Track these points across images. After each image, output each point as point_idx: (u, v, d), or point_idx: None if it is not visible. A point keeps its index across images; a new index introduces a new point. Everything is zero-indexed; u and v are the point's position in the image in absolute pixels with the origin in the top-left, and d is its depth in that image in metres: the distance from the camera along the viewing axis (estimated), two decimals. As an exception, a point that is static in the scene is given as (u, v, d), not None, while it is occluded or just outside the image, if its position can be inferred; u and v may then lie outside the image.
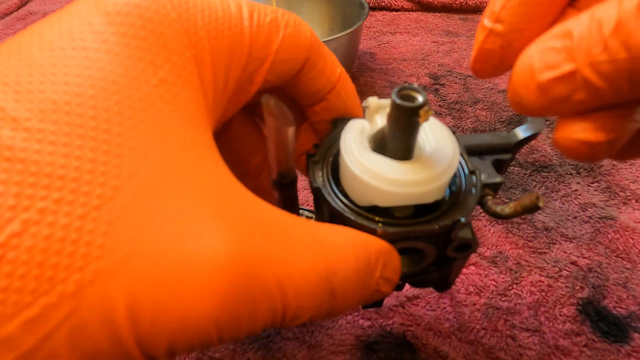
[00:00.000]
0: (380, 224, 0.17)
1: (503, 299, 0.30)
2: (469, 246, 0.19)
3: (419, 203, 0.17)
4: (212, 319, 0.13)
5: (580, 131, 0.16)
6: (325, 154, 0.20)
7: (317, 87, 0.21)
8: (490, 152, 0.21)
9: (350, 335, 0.28)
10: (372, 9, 0.74)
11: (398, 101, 0.15)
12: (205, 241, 0.13)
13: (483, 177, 0.19)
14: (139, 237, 0.13)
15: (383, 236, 0.17)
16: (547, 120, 0.47)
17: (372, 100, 0.19)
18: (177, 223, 0.13)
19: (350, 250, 0.17)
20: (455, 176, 0.19)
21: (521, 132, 0.21)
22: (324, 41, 0.44)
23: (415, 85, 0.16)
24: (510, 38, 0.17)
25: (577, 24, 0.13)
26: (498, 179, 0.19)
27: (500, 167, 0.21)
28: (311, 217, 0.29)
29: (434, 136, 0.18)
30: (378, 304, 0.23)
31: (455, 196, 0.18)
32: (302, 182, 0.38)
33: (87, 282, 0.12)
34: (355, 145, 0.18)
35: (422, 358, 0.27)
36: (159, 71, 0.14)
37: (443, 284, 0.22)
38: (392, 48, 0.63)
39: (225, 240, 0.13)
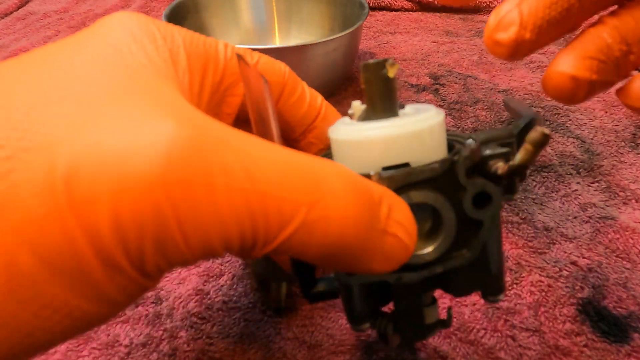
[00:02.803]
0: (373, 171, 0.17)
1: (503, 299, 0.30)
2: (489, 198, 0.17)
3: (413, 160, 0.17)
4: (159, 183, 0.12)
5: (570, 67, 0.20)
6: None
7: (302, 112, 0.23)
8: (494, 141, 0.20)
9: (350, 335, 0.28)
10: (372, 9, 0.74)
11: (364, 63, 0.17)
12: (154, 119, 0.13)
13: (488, 152, 0.18)
14: (82, 116, 0.13)
15: (379, 182, 0.17)
16: (546, 122, 0.47)
17: (356, 104, 0.19)
18: (126, 109, 0.13)
19: (342, 169, 0.15)
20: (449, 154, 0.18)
21: (520, 122, 0.21)
22: (323, 41, 0.44)
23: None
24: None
25: None
26: (505, 149, 0.18)
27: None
28: None
29: (417, 107, 0.19)
30: (420, 336, 0.20)
31: (453, 155, 0.17)
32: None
33: (23, 149, 0.12)
34: (341, 124, 0.18)
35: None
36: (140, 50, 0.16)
37: (486, 278, 0.19)
38: (392, 48, 0.63)
39: (177, 120, 0.13)
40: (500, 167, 0.17)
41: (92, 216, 0.12)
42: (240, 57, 0.19)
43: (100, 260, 0.12)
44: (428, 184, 0.17)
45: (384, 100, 0.18)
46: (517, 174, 0.17)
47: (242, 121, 0.22)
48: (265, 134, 0.19)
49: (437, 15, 0.73)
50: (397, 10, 0.74)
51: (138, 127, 0.12)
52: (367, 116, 0.18)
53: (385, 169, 0.17)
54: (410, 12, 0.74)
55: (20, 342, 0.12)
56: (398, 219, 0.16)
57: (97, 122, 0.13)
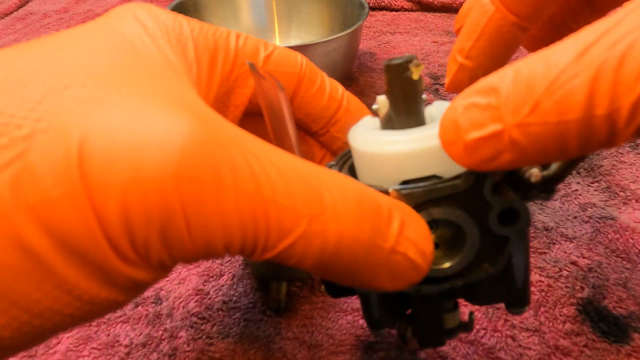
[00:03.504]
0: (391, 187, 0.16)
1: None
2: (516, 214, 0.16)
3: (439, 172, 0.16)
4: (171, 178, 0.12)
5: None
6: (343, 161, 0.20)
7: (323, 104, 0.22)
8: None
9: (350, 335, 0.28)
10: (372, 9, 0.74)
11: (387, 62, 0.16)
12: (167, 112, 0.13)
13: None
14: (98, 102, 0.13)
15: (398, 198, 0.16)
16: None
17: (381, 98, 0.18)
18: (139, 98, 0.13)
19: (348, 184, 0.15)
20: None
21: None
22: (323, 41, 0.44)
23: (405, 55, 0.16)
24: (476, 72, 0.21)
25: (503, 80, 0.13)
26: None
27: None
28: None
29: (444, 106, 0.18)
30: (438, 341, 0.19)
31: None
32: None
33: (41, 130, 0.12)
34: (362, 130, 0.17)
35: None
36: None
37: (511, 291, 0.18)
38: (392, 48, 0.63)
39: (190, 116, 0.13)
40: (534, 174, 0.16)
41: (102, 202, 0.12)
42: (252, 67, 0.18)
43: (111, 245, 0.12)
44: (450, 200, 0.16)
45: (407, 104, 0.17)
46: (553, 184, 0.16)
47: (251, 115, 0.21)
48: (282, 142, 0.19)
49: (437, 15, 0.73)
50: (397, 10, 0.74)
51: (152, 118, 0.13)
52: (390, 121, 0.17)
53: (408, 181, 0.16)
54: (410, 12, 0.74)
55: (29, 322, 0.12)
56: (411, 237, 0.15)
57: (113, 108, 0.13)
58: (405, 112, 0.17)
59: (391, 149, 0.16)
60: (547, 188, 0.18)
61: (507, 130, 0.13)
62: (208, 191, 0.13)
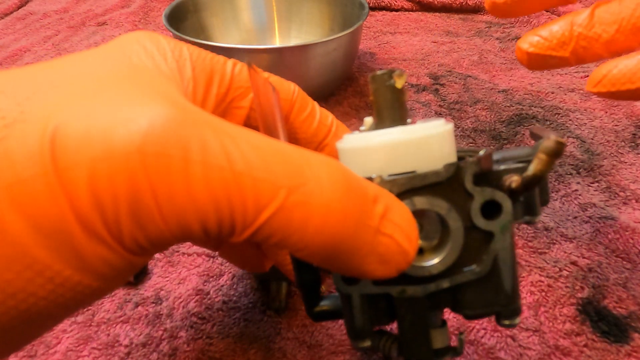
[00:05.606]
0: (375, 174, 0.16)
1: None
2: (498, 207, 0.16)
3: (420, 169, 0.16)
4: (135, 153, 0.12)
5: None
6: None
7: (313, 130, 0.23)
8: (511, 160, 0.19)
9: (350, 335, 0.28)
10: (372, 9, 0.74)
11: (372, 73, 0.17)
12: (145, 100, 0.14)
13: (502, 167, 0.17)
14: (79, 96, 0.14)
15: (382, 185, 0.16)
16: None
17: (368, 120, 0.19)
18: (122, 93, 0.14)
19: (332, 162, 0.15)
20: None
21: (540, 141, 0.20)
22: (323, 41, 0.44)
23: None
24: None
25: None
26: (520, 164, 0.17)
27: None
28: None
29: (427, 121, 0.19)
30: (426, 358, 0.18)
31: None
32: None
33: (22, 120, 0.13)
34: (348, 136, 0.18)
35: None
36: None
37: (499, 297, 0.17)
38: (392, 48, 0.63)
39: (166, 102, 0.14)
40: (514, 180, 0.16)
41: (72, 181, 0.12)
42: (250, 65, 0.19)
43: (82, 226, 0.12)
44: (433, 189, 0.16)
45: (392, 111, 0.17)
46: (533, 186, 0.16)
47: None
48: (271, 136, 0.19)
49: (437, 15, 0.73)
50: (397, 10, 0.74)
51: (128, 105, 0.13)
52: (375, 127, 0.18)
53: (391, 176, 0.16)
54: (410, 12, 0.74)
55: (3, 302, 0.13)
56: (395, 220, 0.15)
57: (92, 100, 0.13)
58: (390, 119, 0.18)
59: (377, 139, 0.17)
60: (530, 209, 0.18)
61: None
62: (175, 167, 0.12)
